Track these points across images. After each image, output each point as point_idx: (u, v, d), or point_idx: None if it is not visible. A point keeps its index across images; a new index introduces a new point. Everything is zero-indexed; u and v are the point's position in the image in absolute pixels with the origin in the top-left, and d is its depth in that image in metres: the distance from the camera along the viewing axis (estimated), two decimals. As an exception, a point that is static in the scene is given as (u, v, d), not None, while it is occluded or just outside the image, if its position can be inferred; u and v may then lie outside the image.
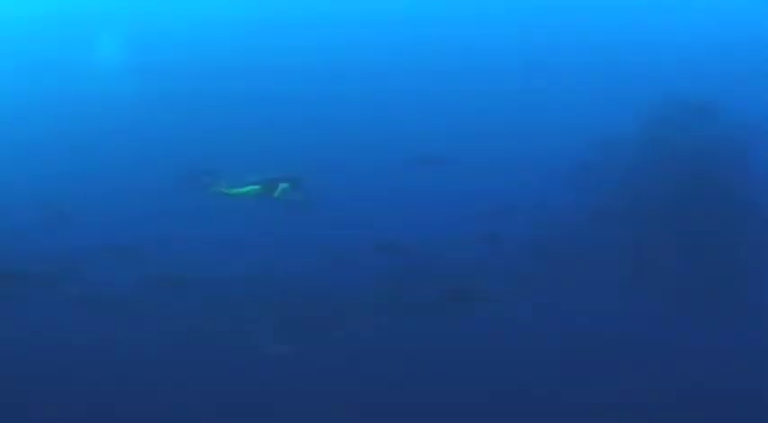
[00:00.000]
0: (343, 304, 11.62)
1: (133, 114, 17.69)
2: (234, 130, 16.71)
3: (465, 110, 17.92)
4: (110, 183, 14.99)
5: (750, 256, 12.76)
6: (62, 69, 20.48)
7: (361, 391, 10.29)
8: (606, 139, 15.53)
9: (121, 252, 12.85)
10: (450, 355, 10.88)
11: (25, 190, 14.83)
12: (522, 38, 21.74)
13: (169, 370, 10.65)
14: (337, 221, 13.51)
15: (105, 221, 13.83)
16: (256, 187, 14.27)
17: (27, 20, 24.61)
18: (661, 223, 13.53)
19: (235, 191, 14.27)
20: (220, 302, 11.81)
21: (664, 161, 15.35)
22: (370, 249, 12.76)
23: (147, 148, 16.30)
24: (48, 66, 20.77)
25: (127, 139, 16.65)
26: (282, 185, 14.13)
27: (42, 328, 11.38)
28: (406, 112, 17.78)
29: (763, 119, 16.15)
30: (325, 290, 11.90)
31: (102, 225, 13.73)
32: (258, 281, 12.11)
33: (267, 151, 15.31)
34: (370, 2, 24.77)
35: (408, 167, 15.41)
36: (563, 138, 16.12)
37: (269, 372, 10.57)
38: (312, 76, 19.74)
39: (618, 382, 10.33)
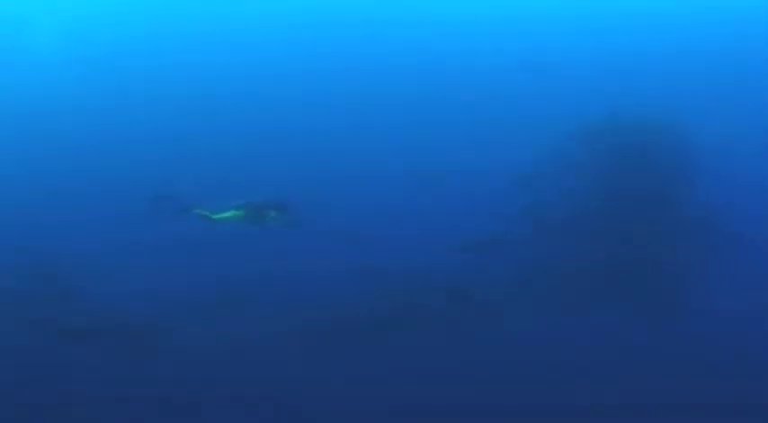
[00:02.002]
0: (338, 322, 12.25)
1: (111, 129, 17.73)
2: (216, 152, 16.78)
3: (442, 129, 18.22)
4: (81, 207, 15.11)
5: (701, 264, 13.57)
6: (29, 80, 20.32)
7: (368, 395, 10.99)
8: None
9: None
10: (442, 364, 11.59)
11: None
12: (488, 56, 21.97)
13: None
14: (329, 243, 13.87)
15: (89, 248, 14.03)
16: (240, 212, 13.76)
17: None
18: (611, 234, 14.26)
19: (218, 216, 13.76)
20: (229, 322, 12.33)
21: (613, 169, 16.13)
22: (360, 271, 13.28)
23: (124, 169, 16.26)
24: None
25: (101, 160, 16.65)
26: (271, 213, 13.71)
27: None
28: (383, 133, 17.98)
29: (707, 132, 16.68)
30: (325, 312, 12.46)
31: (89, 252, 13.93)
32: (264, 302, 12.72)
33: (252, 173, 15.45)
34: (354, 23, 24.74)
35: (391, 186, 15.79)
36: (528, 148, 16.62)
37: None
38: (297, 94, 19.78)
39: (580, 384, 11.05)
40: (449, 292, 12.89)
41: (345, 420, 10.63)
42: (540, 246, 14.02)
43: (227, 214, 13.73)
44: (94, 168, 16.45)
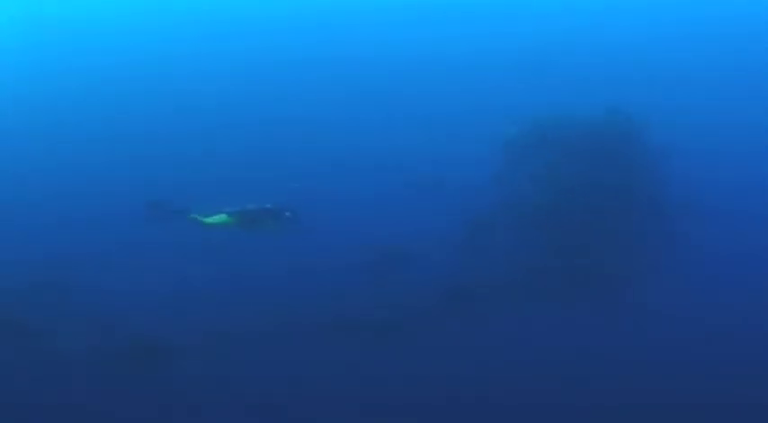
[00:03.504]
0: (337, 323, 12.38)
1: (103, 135, 17.52)
2: (209, 157, 16.56)
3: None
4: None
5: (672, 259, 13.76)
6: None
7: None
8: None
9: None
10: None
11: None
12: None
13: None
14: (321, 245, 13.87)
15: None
16: (232, 218, 13.44)
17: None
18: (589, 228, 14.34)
19: (209, 220, 13.44)
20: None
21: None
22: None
23: (118, 171, 16.19)
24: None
25: (95, 164, 16.55)
26: (267, 222, 13.46)
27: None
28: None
29: (675, 125, 16.35)
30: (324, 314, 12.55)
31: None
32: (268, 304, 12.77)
33: (244, 178, 15.30)
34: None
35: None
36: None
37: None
38: (283, 94, 19.56)
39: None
40: (432, 288, 13.01)
41: (345, 420, 10.72)
42: (520, 240, 14.15)
43: (220, 220, 13.50)
44: (89, 170, 16.42)
